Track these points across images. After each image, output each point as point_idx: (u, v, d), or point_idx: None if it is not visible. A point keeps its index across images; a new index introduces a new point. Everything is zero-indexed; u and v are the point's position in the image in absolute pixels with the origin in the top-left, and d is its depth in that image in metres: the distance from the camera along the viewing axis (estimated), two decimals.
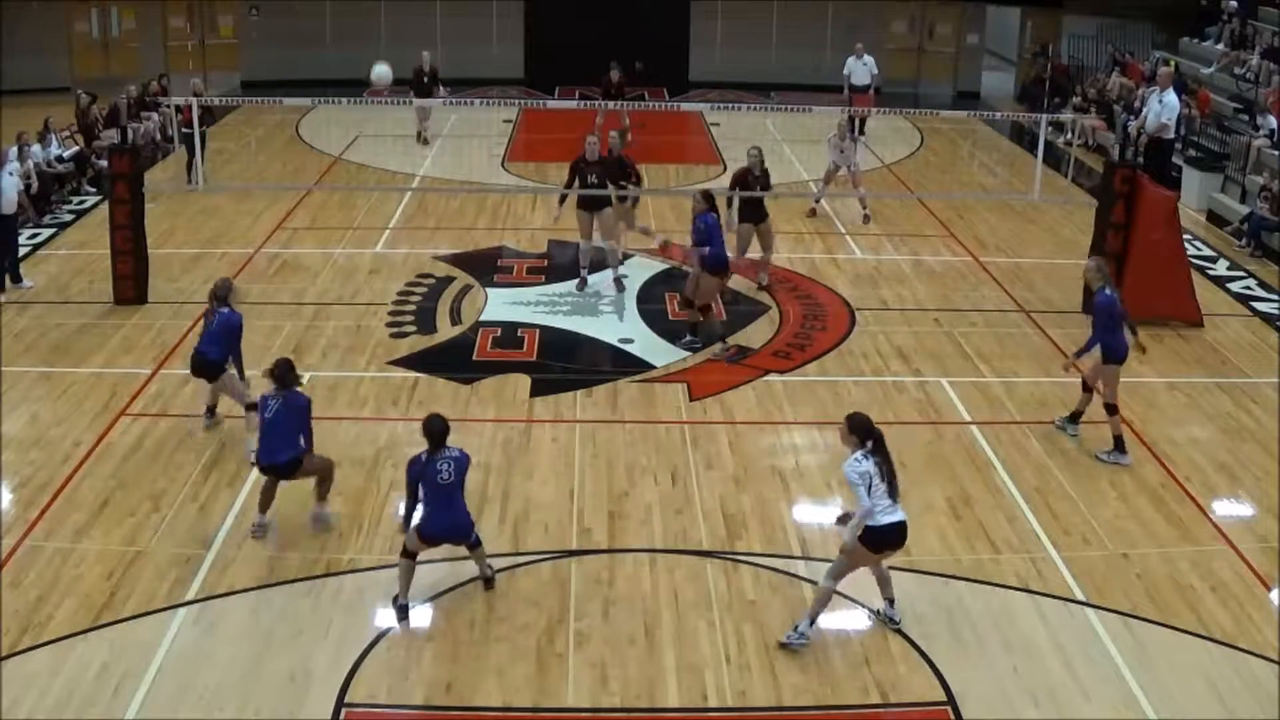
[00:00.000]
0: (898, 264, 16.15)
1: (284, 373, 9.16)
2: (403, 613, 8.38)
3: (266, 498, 9.33)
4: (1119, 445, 10.80)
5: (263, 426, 9.19)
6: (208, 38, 28.85)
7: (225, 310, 10.49)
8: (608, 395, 12.00)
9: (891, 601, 8.42)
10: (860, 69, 23.02)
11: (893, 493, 7.94)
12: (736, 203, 14.54)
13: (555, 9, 28.98)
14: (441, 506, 8.35)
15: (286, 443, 9.13)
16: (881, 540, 7.99)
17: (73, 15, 27.31)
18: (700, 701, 7.64)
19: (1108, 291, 10.79)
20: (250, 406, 10.28)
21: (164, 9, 28.15)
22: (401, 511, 8.59)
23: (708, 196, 12.85)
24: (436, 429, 8.39)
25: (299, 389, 9.39)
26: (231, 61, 28.66)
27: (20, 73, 24.84)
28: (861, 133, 23.28)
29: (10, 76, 24.47)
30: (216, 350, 10.46)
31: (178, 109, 16.26)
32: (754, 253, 14.82)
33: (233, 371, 10.56)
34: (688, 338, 13.08)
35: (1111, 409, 10.84)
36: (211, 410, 11.05)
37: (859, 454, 7.95)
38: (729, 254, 13.36)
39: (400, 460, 10.47)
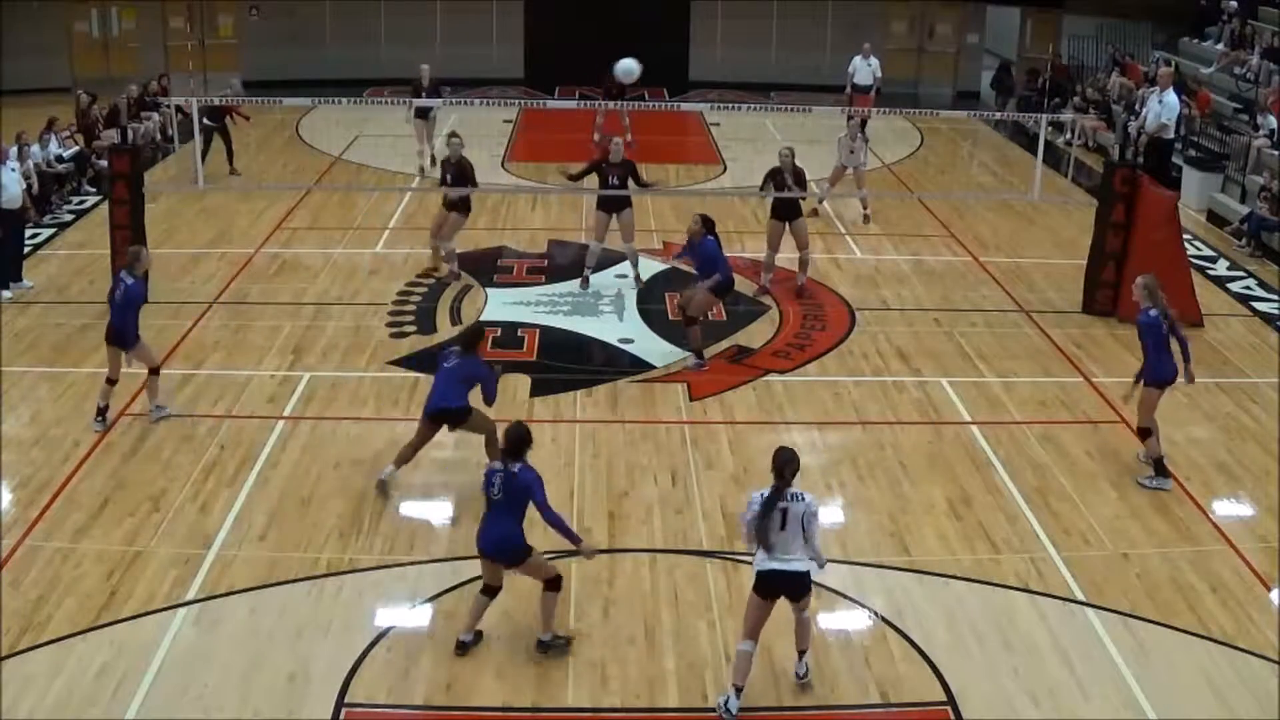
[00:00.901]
0: (898, 264, 16.15)
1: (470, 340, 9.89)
2: (461, 648, 7.98)
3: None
4: (1160, 469, 10.41)
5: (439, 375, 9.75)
6: (208, 38, 28.80)
7: (131, 280, 10.93)
8: (608, 395, 12.00)
9: (801, 655, 7.73)
10: (865, 69, 23.04)
11: (775, 541, 7.31)
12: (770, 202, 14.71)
13: (555, 9, 28.97)
14: (488, 520, 7.92)
15: (455, 393, 9.67)
16: (760, 586, 7.43)
17: (73, 15, 27.29)
18: (700, 701, 7.65)
19: (1151, 312, 10.33)
20: (154, 370, 11.16)
21: (164, 9, 28.11)
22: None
23: (707, 221, 12.48)
24: (509, 437, 7.89)
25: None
26: (231, 61, 28.63)
27: (20, 73, 24.82)
28: (862, 133, 23.29)
29: (10, 76, 24.46)
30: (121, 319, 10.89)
31: (178, 108, 16.27)
32: (787, 252, 14.81)
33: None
34: (693, 361, 12.69)
35: (1144, 432, 10.46)
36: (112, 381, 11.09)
37: (758, 492, 7.48)
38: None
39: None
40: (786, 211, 14.65)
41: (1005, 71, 28.26)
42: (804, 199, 15.07)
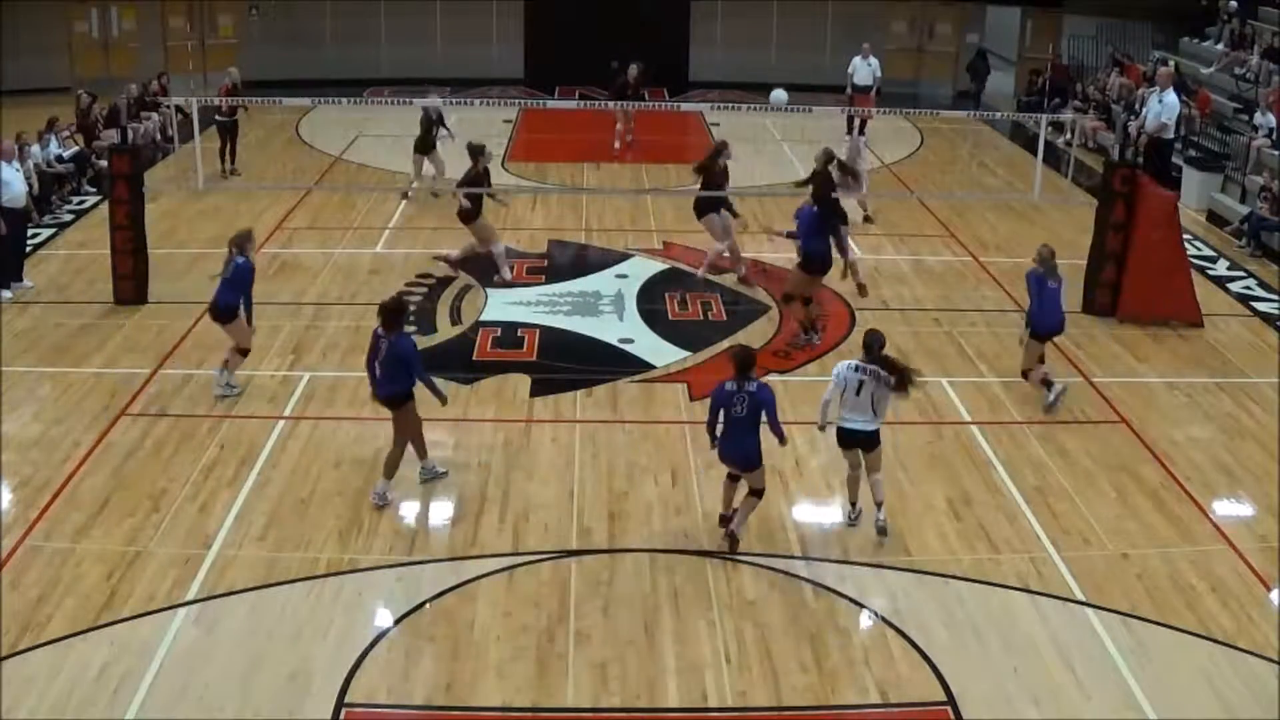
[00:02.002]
0: (898, 264, 16.15)
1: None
2: (723, 522, 9.32)
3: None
4: (1048, 383, 11.69)
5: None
6: (208, 38, 28.82)
7: (241, 259, 11.43)
8: (608, 395, 12.01)
9: (879, 506, 9.50)
10: (865, 69, 23.06)
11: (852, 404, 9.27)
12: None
13: (555, 9, 28.97)
14: (732, 437, 8.96)
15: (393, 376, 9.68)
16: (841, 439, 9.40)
17: (73, 15, 27.28)
18: (700, 701, 7.65)
19: (1040, 270, 11.55)
20: (243, 351, 11.65)
21: (164, 9, 28.12)
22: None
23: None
24: (739, 359, 8.97)
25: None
26: (231, 61, 28.57)
27: (20, 73, 24.82)
28: (862, 133, 23.30)
29: (10, 76, 24.44)
30: (229, 295, 11.42)
31: (178, 109, 16.27)
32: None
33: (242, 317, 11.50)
34: (802, 335, 13.21)
35: (1025, 374, 11.80)
36: (227, 364, 11.70)
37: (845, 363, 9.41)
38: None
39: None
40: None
41: (980, 57, 28.54)
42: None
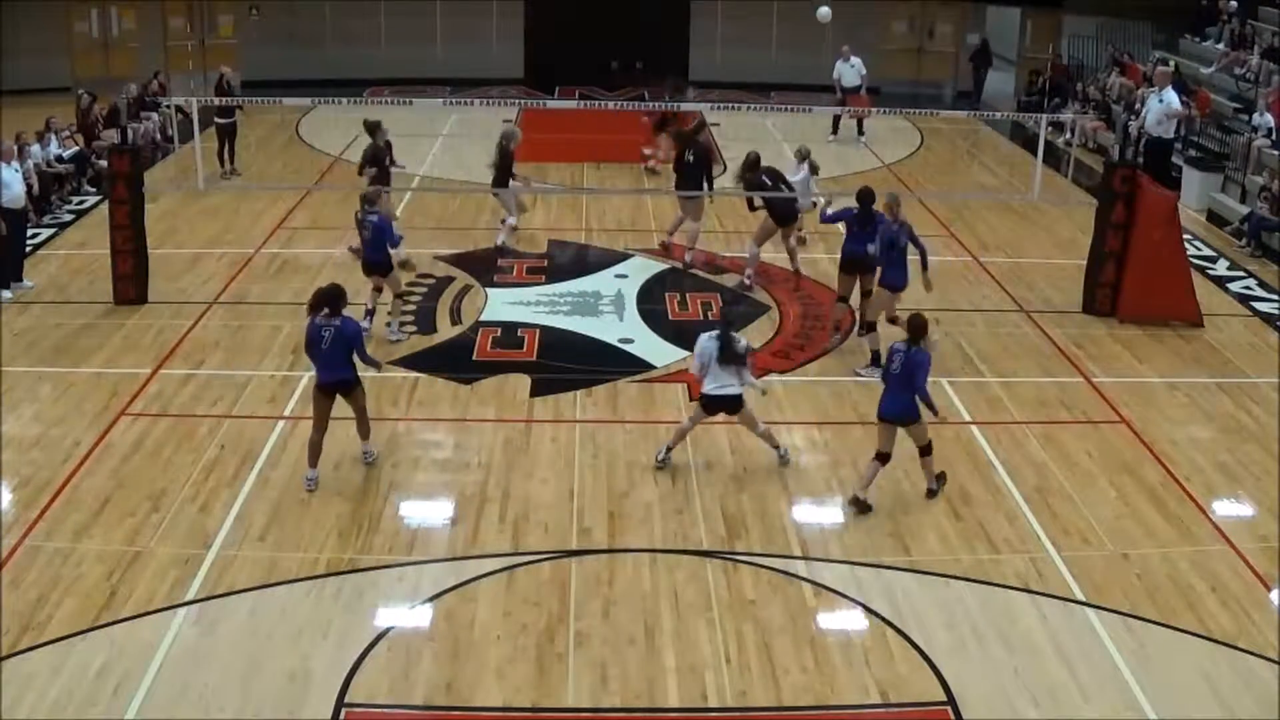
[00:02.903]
0: None
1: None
2: (855, 502, 9.93)
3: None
4: (875, 360, 12.11)
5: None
6: (208, 38, 28.82)
7: (375, 216, 12.62)
8: (608, 395, 12.00)
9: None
10: (849, 71, 23.18)
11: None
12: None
13: (555, 9, 28.97)
14: (890, 392, 9.83)
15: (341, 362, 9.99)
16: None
17: (73, 15, 27.27)
18: (700, 701, 7.65)
19: (894, 226, 12.11)
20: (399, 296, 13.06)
21: (164, 9, 28.11)
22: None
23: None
24: (913, 324, 9.79)
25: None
26: (231, 61, 28.60)
27: (20, 73, 24.81)
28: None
29: (10, 76, 24.44)
30: (378, 253, 12.67)
31: (178, 109, 16.27)
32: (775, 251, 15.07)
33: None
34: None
35: (870, 325, 12.49)
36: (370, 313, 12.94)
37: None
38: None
39: (400, 460, 10.55)
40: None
41: (984, 47, 28.73)
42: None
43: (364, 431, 10.37)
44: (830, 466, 10.66)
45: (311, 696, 7.56)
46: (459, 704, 7.58)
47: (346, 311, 9.99)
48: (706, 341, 10.14)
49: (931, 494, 10.08)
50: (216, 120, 19.51)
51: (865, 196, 12.74)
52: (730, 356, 10.04)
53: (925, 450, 10.01)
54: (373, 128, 15.75)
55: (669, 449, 10.49)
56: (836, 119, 23.02)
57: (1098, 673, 7.95)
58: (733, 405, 10.21)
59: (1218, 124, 20.64)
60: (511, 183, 15.79)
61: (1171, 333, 13.83)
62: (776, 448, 10.56)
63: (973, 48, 29.31)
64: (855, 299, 13.09)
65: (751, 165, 14.82)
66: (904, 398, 9.74)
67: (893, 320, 12.21)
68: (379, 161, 15.58)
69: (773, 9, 29.55)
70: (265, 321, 13.54)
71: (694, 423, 10.50)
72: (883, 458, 9.86)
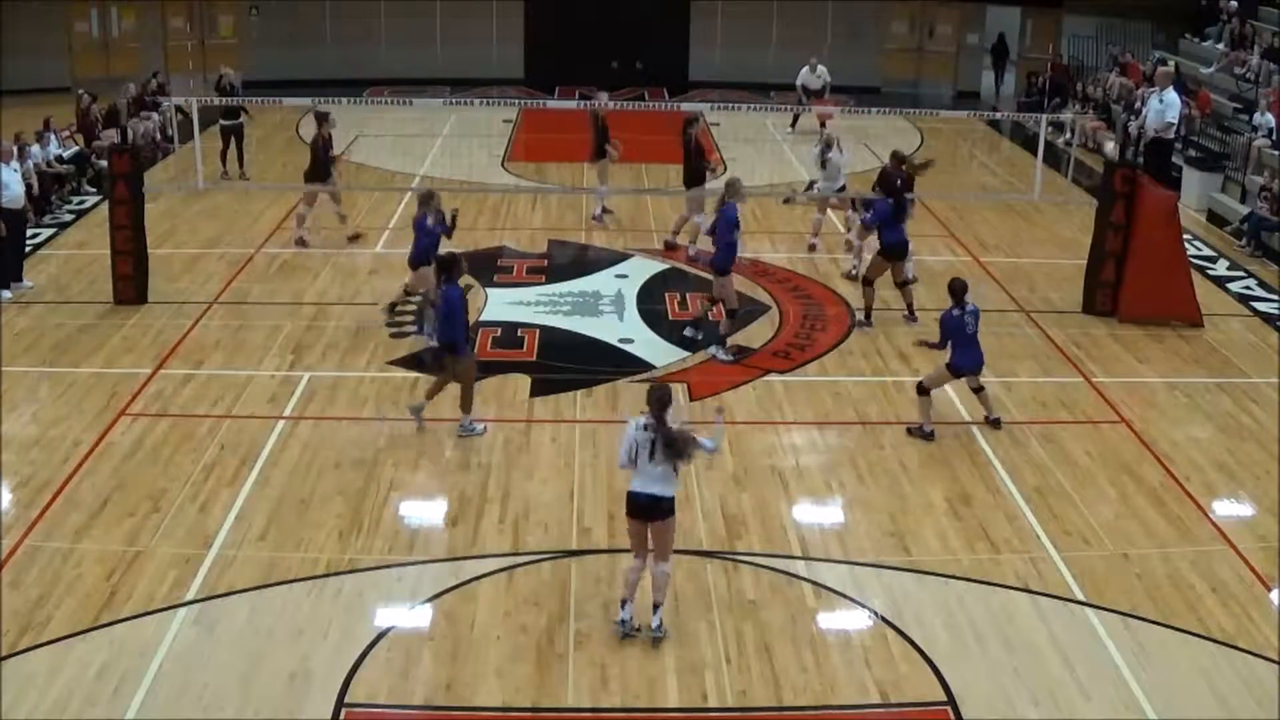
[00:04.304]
0: None
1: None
2: (926, 437, 11.02)
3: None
4: (723, 344, 12.70)
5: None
6: (208, 38, 28.84)
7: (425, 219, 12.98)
8: (608, 395, 12.00)
9: (655, 607, 8.11)
10: (813, 78, 24.13)
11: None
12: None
13: (555, 9, 28.99)
14: (967, 347, 10.97)
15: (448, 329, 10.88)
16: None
17: (73, 15, 27.29)
18: (700, 701, 7.64)
19: (730, 214, 12.53)
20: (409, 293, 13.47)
21: (164, 9, 28.13)
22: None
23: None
24: (957, 287, 10.94)
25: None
26: (231, 61, 28.56)
27: (20, 73, 24.83)
28: (823, 125, 23.41)
29: (10, 76, 24.46)
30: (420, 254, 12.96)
31: (178, 109, 16.28)
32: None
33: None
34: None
35: (730, 312, 12.91)
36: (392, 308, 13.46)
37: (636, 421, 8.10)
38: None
39: (400, 460, 10.55)
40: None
41: (1001, 43, 29.08)
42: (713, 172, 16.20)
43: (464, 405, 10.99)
44: (830, 466, 10.66)
45: (311, 696, 7.56)
46: (459, 704, 7.58)
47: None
48: (635, 432, 8.00)
49: (997, 423, 11.27)
50: (221, 122, 19.48)
51: (887, 183, 14.19)
52: (666, 453, 7.93)
53: (982, 387, 11.30)
54: (320, 118, 16.06)
55: (625, 603, 8.22)
56: (796, 117, 24.06)
57: (1097, 672, 7.95)
58: (660, 509, 7.99)
59: (1218, 124, 20.65)
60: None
61: (1171, 333, 13.83)
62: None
63: (974, 48, 29.34)
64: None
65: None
66: (978, 351, 11.06)
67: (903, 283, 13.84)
68: (314, 154, 15.82)
69: (773, 9, 29.57)
70: (265, 321, 13.54)
71: (635, 556, 8.26)
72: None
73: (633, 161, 21.06)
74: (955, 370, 11.13)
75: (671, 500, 7.99)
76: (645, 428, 7.95)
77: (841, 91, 24.90)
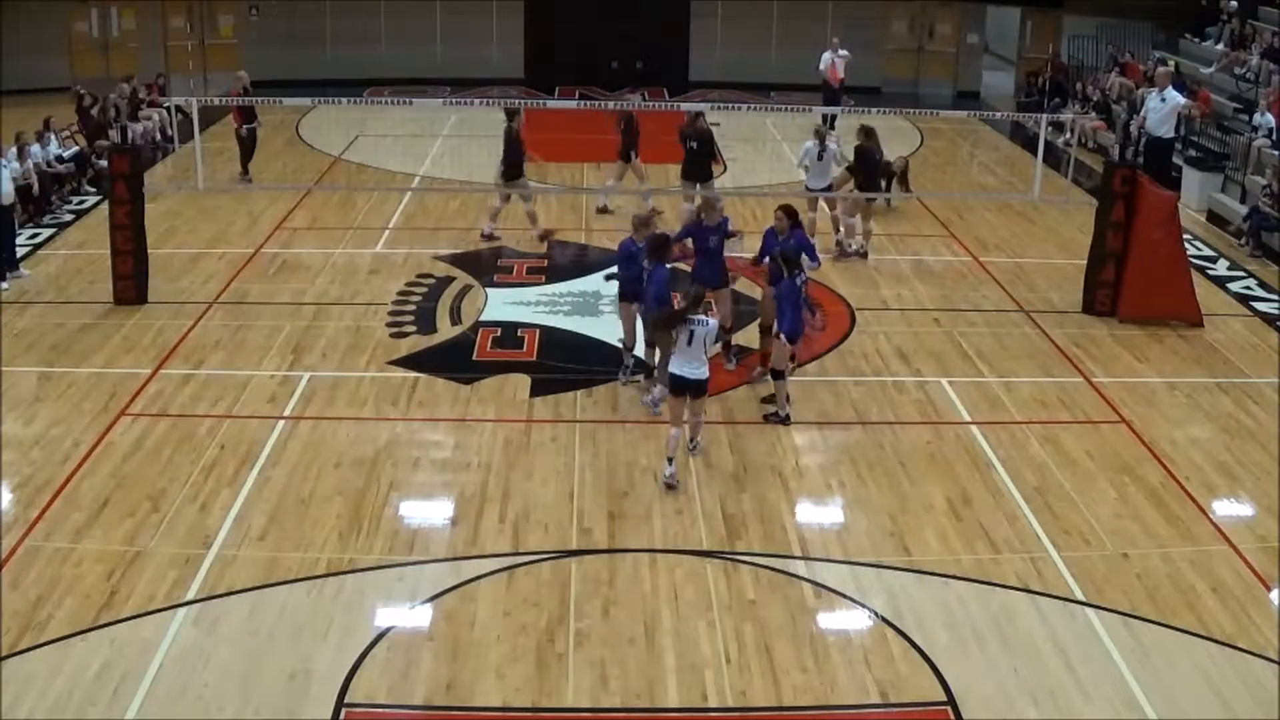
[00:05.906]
0: (898, 264, 16.14)
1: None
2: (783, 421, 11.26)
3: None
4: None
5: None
6: (208, 38, 28.84)
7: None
8: (608, 395, 12.00)
9: (693, 440, 10.57)
10: (839, 62, 23.81)
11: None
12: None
13: (555, 9, 28.98)
14: (794, 310, 11.09)
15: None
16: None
17: (73, 15, 27.28)
18: (700, 701, 7.65)
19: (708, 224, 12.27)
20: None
21: (164, 9, 28.12)
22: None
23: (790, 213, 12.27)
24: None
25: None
26: (231, 61, 28.60)
27: (20, 73, 24.82)
28: (831, 127, 23.41)
29: (10, 76, 24.45)
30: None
31: (178, 109, 16.27)
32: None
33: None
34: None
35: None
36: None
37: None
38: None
39: (399, 460, 10.54)
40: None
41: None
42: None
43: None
44: (830, 466, 10.66)
45: (311, 696, 7.56)
46: (459, 704, 7.58)
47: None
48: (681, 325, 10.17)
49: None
50: (245, 126, 19.19)
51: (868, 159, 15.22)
52: (689, 337, 10.06)
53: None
54: (510, 113, 16.45)
55: (670, 460, 10.16)
56: (833, 118, 23.16)
57: (1097, 672, 7.95)
58: (698, 388, 10.27)
59: (1218, 124, 20.64)
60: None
61: (1171, 333, 13.83)
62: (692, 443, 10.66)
63: (974, 48, 29.34)
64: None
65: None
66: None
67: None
68: (507, 149, 16.31)
69: (773, 9, 29.55)
70: (265, 321, 13.54)
71: (673, 415, 10.37)
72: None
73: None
74: (778, 335, 11.18)
75: (705, 381, 10.23)
76: (686, 320, 10.01)
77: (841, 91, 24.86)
